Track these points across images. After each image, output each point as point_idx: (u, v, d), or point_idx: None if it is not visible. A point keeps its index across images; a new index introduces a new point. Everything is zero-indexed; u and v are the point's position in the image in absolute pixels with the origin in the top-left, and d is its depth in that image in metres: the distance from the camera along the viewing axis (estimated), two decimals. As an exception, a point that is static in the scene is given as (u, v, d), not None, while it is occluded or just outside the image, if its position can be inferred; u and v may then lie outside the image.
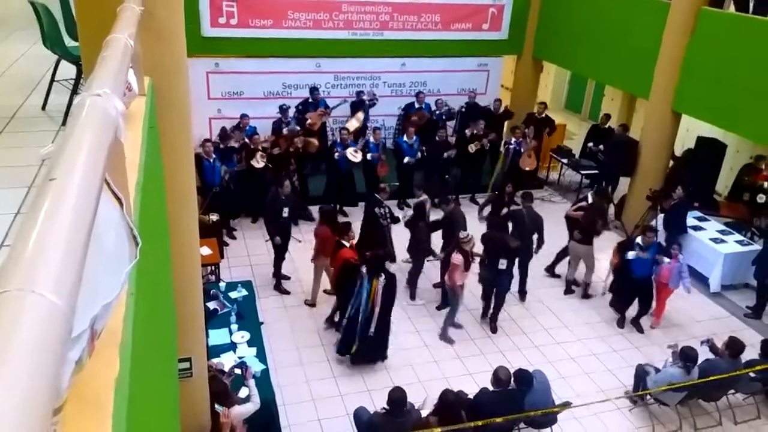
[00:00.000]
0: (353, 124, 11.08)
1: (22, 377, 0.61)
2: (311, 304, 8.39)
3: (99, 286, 1.11)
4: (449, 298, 7.88)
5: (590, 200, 8.96)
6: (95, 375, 1.18)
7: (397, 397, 5.34)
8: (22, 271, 0.74)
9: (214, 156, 9.34)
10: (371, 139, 10.70)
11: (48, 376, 0.66)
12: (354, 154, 10.37)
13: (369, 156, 10.49)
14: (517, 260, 8.17)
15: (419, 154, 10.79)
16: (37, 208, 0.88)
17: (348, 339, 7.19)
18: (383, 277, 6.93)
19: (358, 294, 6.96)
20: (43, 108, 5.46)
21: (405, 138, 10.92)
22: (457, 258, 7.47)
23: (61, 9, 5.96)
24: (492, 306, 8.07)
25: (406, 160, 10.77)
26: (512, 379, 5.86)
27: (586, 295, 9.00)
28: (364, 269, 6.96)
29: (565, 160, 12.43)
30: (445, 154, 10.73)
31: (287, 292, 8.62)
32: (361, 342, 7.10)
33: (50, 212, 0.88)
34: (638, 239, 8.07)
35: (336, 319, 7.83)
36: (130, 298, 1.48)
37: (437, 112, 12.01)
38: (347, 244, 7.51)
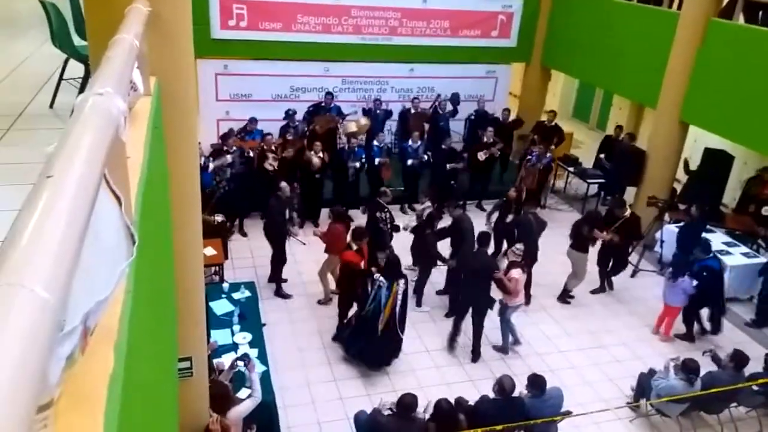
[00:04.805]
0: (351, 127, 11.05)
1: (7, 372, 0.61)
2: (325, 302, 8.46)
3: (94, 283, 1.12)
4: (502, 312, 7.75)
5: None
6: (89, 371, 1.18)
7: (408, 401, 5.38)
8: (12, 266, 0.74)
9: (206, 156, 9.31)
10: (375, 143, 10.73)
11: (34, 372, 0.65)
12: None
13: (376, 161, 10.55)
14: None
15: (425, 157, 10.84)
16: (32, 204, 0.89)
17: (357, 336, 7.29)
18: (403, 281, 7.09)
19: (376, 297, 7.02)
20: (51, 106, 5.52)
21: (410, 143, 10.94)
22: (515, 272, 7.46)
23: (71, 8, 6.02)
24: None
25: (409, 162, 10.83)
26: (527, 381, 6.01)
27: (562, 299, 8.98)
28: (379, 276, 7.03)
29: (571, 169, 12.40)
30: (448, 166, 10.74)
31: (289, 296, 8.63)
32: (368, 343, 7.17)
33: (46, 208, 0.88)
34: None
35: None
36: (127, 295, 1.48)
37: (440, 112, 12.06)
38: (354, 247, 7.55)
